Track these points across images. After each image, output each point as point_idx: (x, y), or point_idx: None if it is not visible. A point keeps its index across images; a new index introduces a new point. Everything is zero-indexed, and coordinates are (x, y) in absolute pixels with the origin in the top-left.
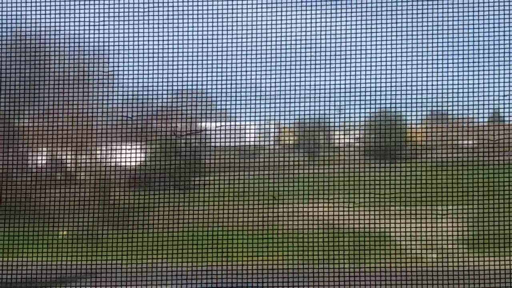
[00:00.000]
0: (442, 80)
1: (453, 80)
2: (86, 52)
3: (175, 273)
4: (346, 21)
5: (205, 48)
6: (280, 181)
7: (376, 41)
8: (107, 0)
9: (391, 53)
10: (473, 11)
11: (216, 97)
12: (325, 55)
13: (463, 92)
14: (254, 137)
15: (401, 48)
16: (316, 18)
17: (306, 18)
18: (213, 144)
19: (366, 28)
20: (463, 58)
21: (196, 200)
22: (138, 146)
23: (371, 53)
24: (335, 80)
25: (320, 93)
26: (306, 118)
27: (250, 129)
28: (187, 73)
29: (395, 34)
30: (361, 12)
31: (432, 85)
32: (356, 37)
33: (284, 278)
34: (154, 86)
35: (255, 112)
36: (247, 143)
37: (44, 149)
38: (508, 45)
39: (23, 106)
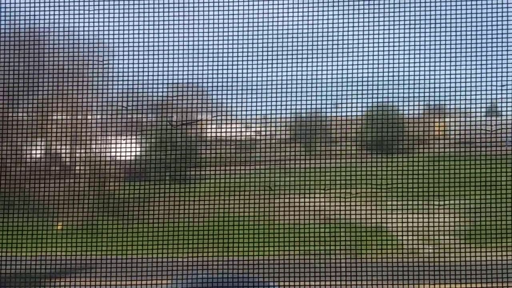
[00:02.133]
0: (440, 73)
1: (450, 72)
2: (82, 44)
3: (171, 265)
4: (343, 13)
5: (202, 40)
6: (277, 174)
7: (373, 33)
8: None
9: (389, 45)
10: (471, 4)
11: (212, 89)
12: (322, 48)
13: (460, 85)
14: (251, 130)
15: (399, 40)
16: (313, 10)
17: (303, 10)
18: (209, 137)
19: (364, 21)
20: (460, 50)
21: (193, 192)
22: (134, 139)
23: (368, 46)
24: (332, 72)
25: (317, 86)
26: (303, 110)
27: (246, 121)
28: (183, 65)
29: (393, 27)
30: (358, 4)
31: (429, 78)
32: (353, 30)
33: (281, 270)
34: (150, 78)
35: (252, 104)
36: (243, 136)
37: (41, 142)
38: (506, 37)
39: (18, 98)
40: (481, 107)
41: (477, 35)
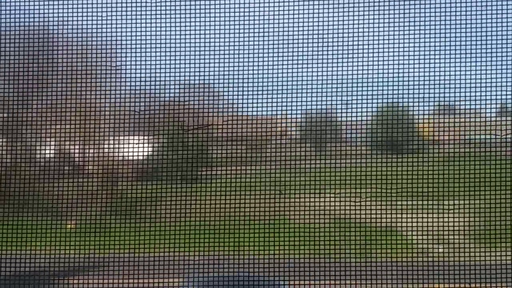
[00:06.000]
0: (450, 74)
1: (460, 73)
2: (94, 45)
3: (182, 264)
4: (354, 14)
5: (213, 41)
6: (288, 174)
7: (384, 34)
8: None
9: (400, 46)
10: (482, 6)
11: (223, 90)
12: (333, 48)
13: (471, 86)
14: (261, 130)
15: (409, 41)
16: (324, 11)
17: (313, 11)
18: (220, 137)
19: (374, 21)
20: (471, 51)
21: (203, 192)
22: (146, 139)
23: (378, 47)
24: (342, 73)
25: (328, 86)
26: (314, 111)
27: (257, 122)
28: (195, 65)
29: (403, 27)
30: (370, 5)
31: (440, 78)
32: (364, 30)
33: (291, 271)
34: (162, 78)
35: (262, 105)
36: (254, 136)
37: (52, 141)
38: None
39: (31, 98)
40: (491, 107)
41: (489, 35)
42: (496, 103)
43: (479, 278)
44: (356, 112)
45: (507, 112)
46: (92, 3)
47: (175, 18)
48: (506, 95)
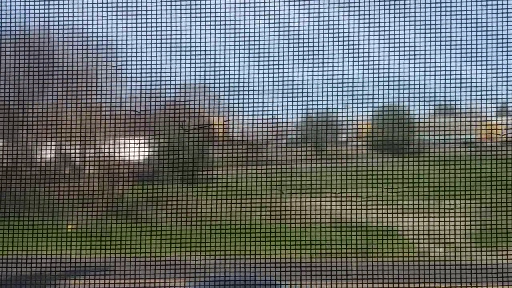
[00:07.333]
0: (450, 74)
1: (461, 74)
2: (94, 46)
3: (182, 266)
4: (354, 13)
5: (213, 42)
6: (288, 175)
7: (383, 34)
8: None
9: (399, 46)
10: (481, 6)
11: (224, 91)
12: (332, 49)
13: (471, 86)
14: (262, 131)
15: (409, 41)
16: (323, 11)
17: (312, 11)
18: (219, 138)
19: (375, 22)
20: (471, 52)
21: (204, 194)
22: (145, 140)
23: (378, 47)
24: (342, 74)
25: (327, 87)
26: (314, 112)
27: (257, 123)
28: (195, 66)
29: (403, 27)
30: (368, 6)
31: (440, 79)
32: (363, 30)
33: (292, 272)
34: (161, 80)
35: (262, 106)
36: (254, 137)
37: (52, 143)
38: None
39: (30, 99)
40: (491, 108)
41: (488, 35)
42: (496, 103)
43: (480, 279)
44: (357, 113)
45: (507, 112)
46: (91, 3)
47: (175, 19)
48: (507, 95)
